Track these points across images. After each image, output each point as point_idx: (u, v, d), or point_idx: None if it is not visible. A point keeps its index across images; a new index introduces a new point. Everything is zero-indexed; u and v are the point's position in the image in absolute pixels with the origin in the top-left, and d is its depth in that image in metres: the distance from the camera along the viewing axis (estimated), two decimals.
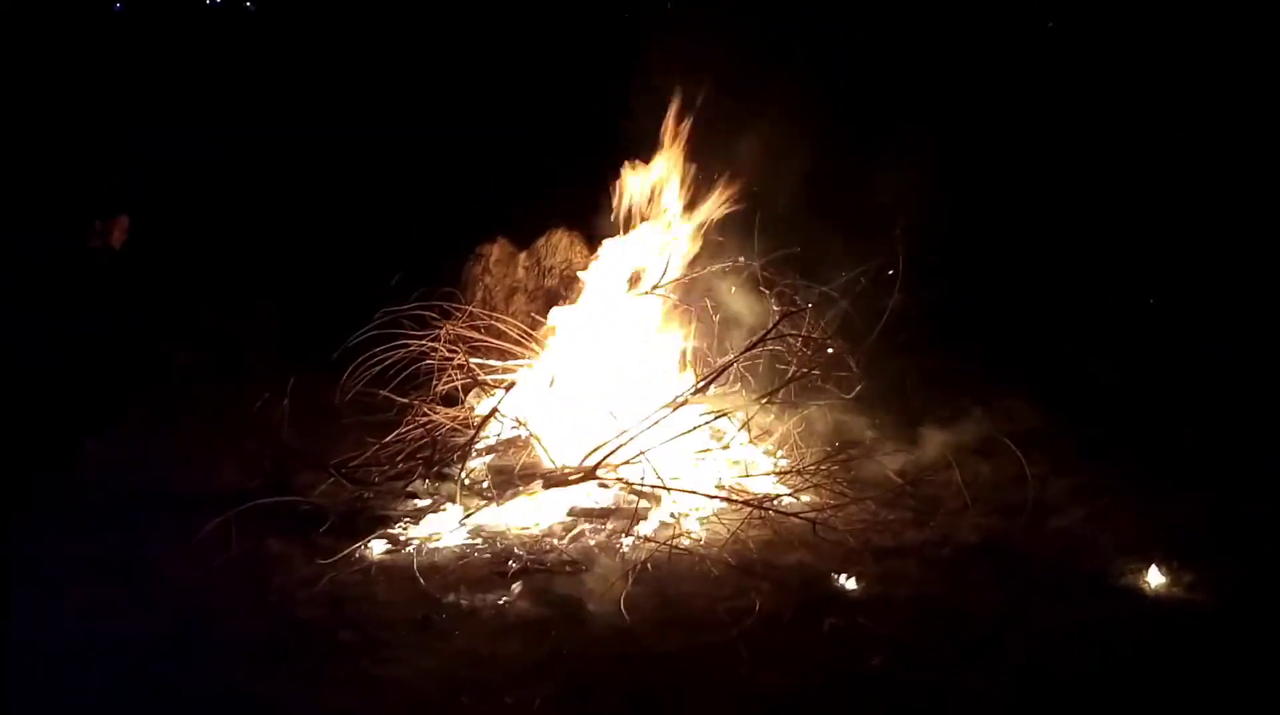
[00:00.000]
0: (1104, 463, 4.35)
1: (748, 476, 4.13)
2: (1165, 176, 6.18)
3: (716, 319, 4.68)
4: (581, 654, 2.99)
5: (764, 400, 4.23)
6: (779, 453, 4.47)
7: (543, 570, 3.50)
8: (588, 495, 3.97)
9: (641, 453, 3.86)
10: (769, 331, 4.22)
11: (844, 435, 4.53)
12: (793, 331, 4.47)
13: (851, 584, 3.40)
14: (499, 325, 4.72)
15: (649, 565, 3.51)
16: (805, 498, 4.06)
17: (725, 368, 4.24)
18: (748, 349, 4.25)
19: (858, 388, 4.62)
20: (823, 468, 4.22)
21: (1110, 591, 3.38)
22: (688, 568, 3.53)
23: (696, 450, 4.13)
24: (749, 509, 3.86)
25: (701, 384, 4.09)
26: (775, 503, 3.92)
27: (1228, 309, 5.38)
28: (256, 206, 7.49)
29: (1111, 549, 3.65)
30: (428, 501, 3.97)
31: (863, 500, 4.06)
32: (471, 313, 4.66)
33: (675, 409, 3.99)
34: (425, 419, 4.28)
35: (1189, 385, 4.99)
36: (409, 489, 4.05)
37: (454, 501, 3.89)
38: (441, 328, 4.44)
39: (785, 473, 4.25)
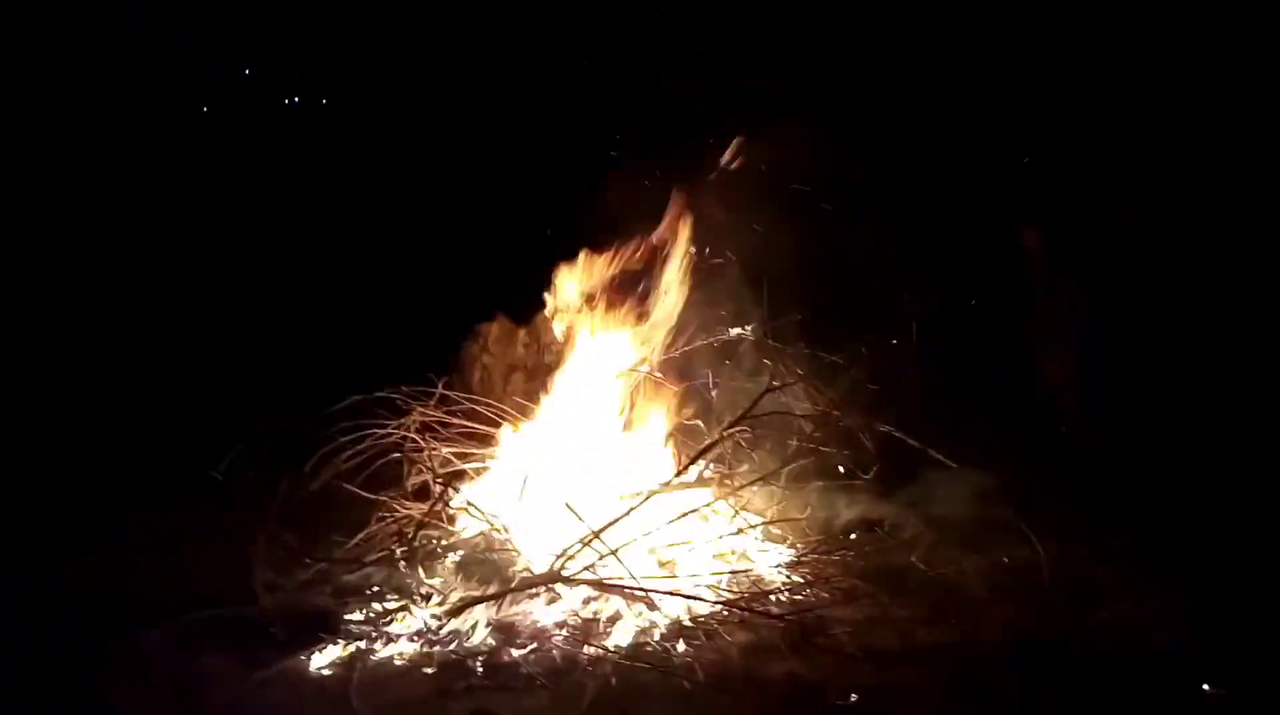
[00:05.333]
0: (1144, 545, 3.81)
1: (733, 570, 3.68)
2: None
3: (714, 394, 4.31)
4: None
5: (754, 484, 3.81)
6: (784, 541, 4.02)
7: (493, 689, 3.11)
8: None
9: (614, 551, 3.45)
10: (753, 405, 3.81)
11: (850, 520, 4.06)
12: (799, 405, 4.07)
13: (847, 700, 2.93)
14: (479, 408, 4.39)
15: (613, 679, 3.09)
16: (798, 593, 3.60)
17: (707, 450, 3.82)
18: (732, 425, 3.84)
19: (874, 468, 4.20)
20: (823, 556, 3.76)
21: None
22: (657, 682, 3.09)
23: (679, 542, 3.71)
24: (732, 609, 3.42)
25: (680, 470, 3.68)
26: (764, 600, 3.48)
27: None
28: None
29: (1174, 653, 3.11)
30: (388, 605, 3.61)
31: (871, 593, 3.57)
32: (445, 396, 4.32)
33: (651, 497, 3.59)
34: (392, 515, 3.96)
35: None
36: (370, 591, 3.71)
37: (412, 605, 3.53)
38: (411, 413, 4.12)
39: (782, 565, 3.80)
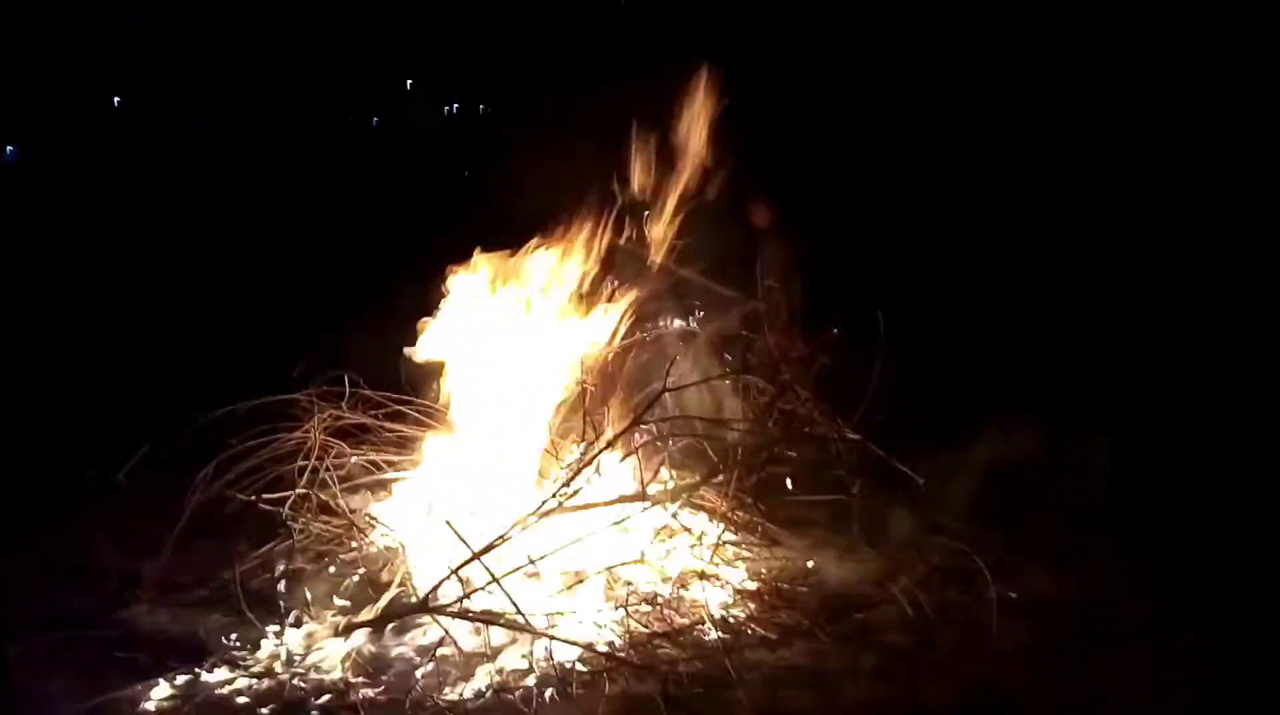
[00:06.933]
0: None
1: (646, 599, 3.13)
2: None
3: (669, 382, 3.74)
4: None
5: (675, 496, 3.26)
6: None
7: None
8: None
9: (496, 579, 2.98)
10: (645, 408, 3.24)
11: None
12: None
13: None
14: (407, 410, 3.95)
15: None
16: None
17: (585, 466, 3.25)
18: (620, 434, 3.30)
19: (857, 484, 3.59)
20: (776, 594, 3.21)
21: None
22: None
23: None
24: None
25: (562, 485, 3.16)
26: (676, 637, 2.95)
27: None
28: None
29: None
30: (251, 632, 3.22)
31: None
32: (368, 397, 3.88)
33: (540, 518, 3.10)
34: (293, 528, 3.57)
35: None
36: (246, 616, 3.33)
37: (273, 635, 3.14)
38: (320, 416, 3.71)
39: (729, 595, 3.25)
